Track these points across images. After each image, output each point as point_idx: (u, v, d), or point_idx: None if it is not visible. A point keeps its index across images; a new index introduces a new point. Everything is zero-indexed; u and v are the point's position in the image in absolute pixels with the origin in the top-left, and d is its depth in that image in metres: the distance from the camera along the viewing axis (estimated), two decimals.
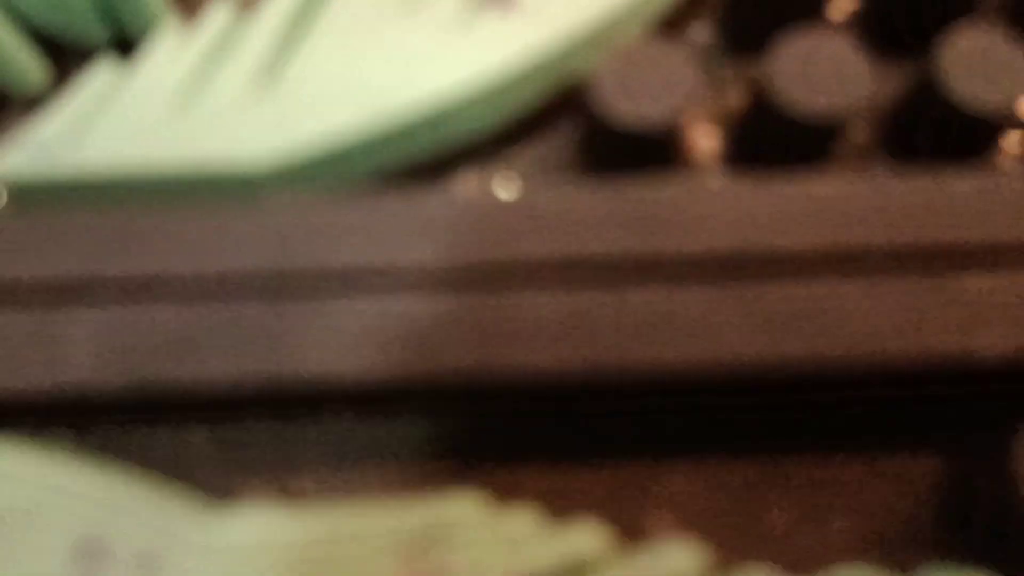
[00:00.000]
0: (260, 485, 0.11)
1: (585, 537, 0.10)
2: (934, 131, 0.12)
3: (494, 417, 0.11)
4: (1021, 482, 0.10)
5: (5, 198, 0.12)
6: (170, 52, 0.12)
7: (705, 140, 0.13)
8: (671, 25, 0.13)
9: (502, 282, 0.11)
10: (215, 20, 0.12)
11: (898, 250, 0.11)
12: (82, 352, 0.10)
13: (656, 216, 0.11)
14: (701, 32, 0.13)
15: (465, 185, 0.12)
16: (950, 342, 0.10)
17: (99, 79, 0.12)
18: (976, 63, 0.12)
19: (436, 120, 0.12)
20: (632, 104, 0.11)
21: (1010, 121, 0.12)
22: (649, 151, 0.12)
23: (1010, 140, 0.13)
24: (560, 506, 0.10)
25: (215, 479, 0.11)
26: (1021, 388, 0.10)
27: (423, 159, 0.12)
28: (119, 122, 0.11)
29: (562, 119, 0.12)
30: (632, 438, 0.11)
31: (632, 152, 0.12)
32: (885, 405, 0.11)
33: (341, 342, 0.10)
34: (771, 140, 0.12)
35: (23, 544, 0.10)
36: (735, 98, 0.12)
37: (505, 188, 0.12)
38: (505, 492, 0.11)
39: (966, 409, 0.11)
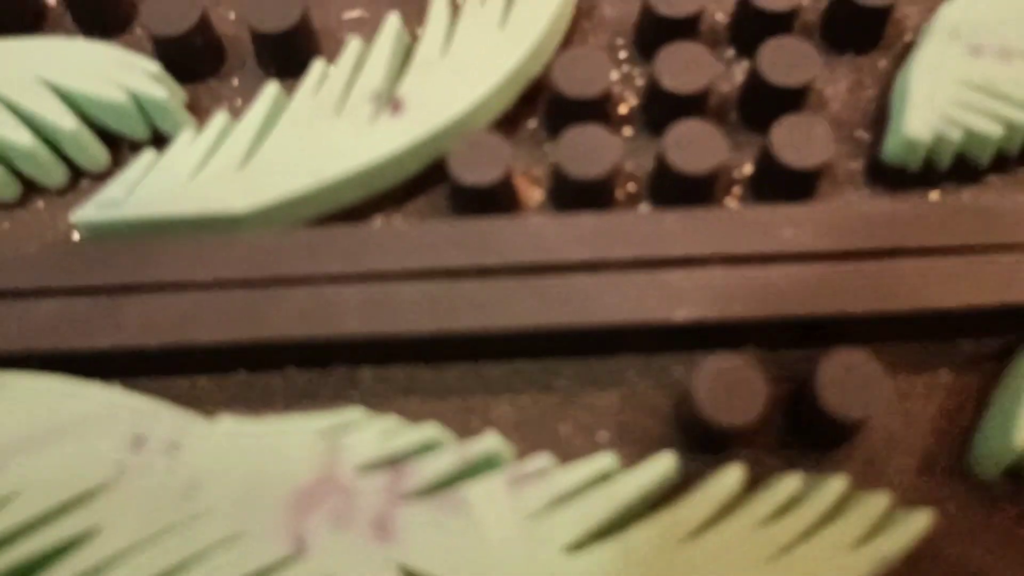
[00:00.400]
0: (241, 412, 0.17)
1: (431, 430, 0.16)
2: (669, 185, 0.18)
3: (383, 367, 0.17)
4: (698, 404, 0.16)
5: (78, 235, 0.19)
6: (187, 143, 0.18)
7: (532, 194, 0.19)
8: (510, 118, 0.19)
9: (393, 281, 0.17)
10: (216, 122, 0.18)
11: (631, 258, 0.17)
12: (131, 323, 0.17)
13: (491, 240, 0.17)
14: (531, 122, 0.20)
15: (375, 223, 0.19)
16: (659, 313, 0.16)
17: (143, 160, 0.18)
18: (695, 143, 0.18)
19: (354, 183, 0.18)
20: (476, 172, 0.18)
21: (720, 179, 0.18)
22: (489, 201, 0.18)
23: (731, 192, 0.19)
24: (421, 418, 0.17)
25: (213, 408, 0.17)
26: (703, 342, 0.17)
27: (347, 207, 0.19)
28: (154, 186, 0.18)
29: (434, 181, 0.19)
30: (470, 378, 0.17)
31: (479, 202, 0.18)
32: (633, 356, 0.17)
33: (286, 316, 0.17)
34: (570, 193, 0.18)
35: (98, 438, 0.16)
36: (550, 166, 0.19)
37: (401, 224, 0.19)
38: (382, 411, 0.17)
39: (677, 357, 0.17)
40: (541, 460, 0.16)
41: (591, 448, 0.17)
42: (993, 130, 0.18)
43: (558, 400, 0.17)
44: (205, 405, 0.17)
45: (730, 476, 0.16)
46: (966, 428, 0.17)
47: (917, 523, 0.15)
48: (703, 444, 0.17)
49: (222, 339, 0.17)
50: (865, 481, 0.16)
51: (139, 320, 0.17)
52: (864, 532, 0.15)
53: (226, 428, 0.16)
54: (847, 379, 0.16)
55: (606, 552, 0.15)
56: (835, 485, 0.16)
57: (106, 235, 0.18)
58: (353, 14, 0.21)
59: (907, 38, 0.21)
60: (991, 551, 0.17)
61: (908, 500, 0.16)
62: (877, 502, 0.16)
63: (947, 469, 0.17)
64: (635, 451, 0.17)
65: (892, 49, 0.21)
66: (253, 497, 0.15)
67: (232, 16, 0.21)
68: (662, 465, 0.16)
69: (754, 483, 0.16)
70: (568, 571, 0.15)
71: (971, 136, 0.18)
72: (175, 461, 0.16)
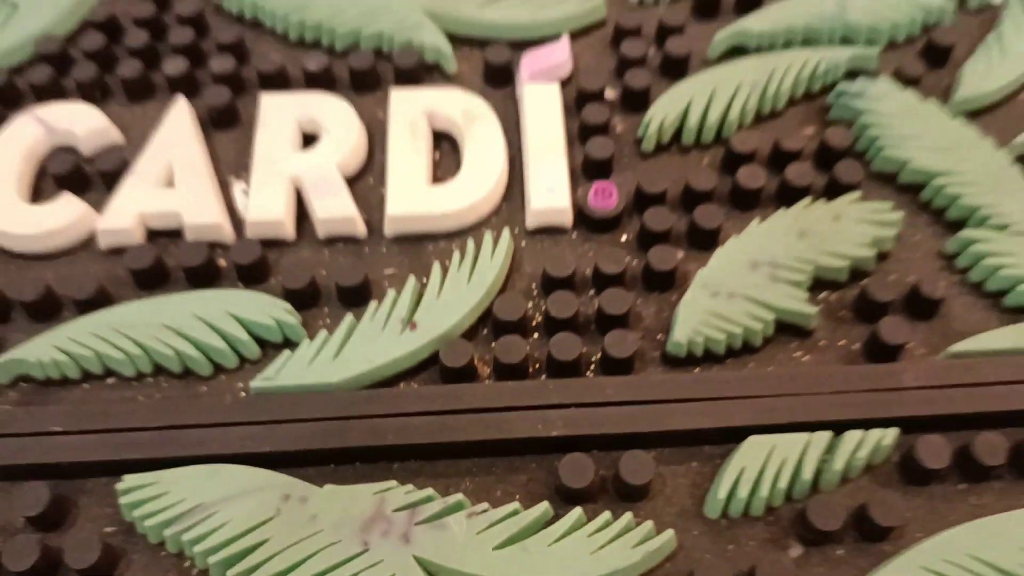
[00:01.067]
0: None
1: (429, 492, 0.32)
2: (555, 366, 0.35)
3: (405, 462, 0.33)
4: (562, 478, 0.32)
5: (244, 394, 0.35)
6: (305, 347, 0.35)
7: (484, 371, 0.36)
8: (473, 329, 0.36)
9: (410, 416, 0.33)
10: (320, 336, 0.35)
11: (532, 404, 0.33)
12: (279, 439, 0.33)
13: (461, 395, 0.34)
14: (484, 331, 0.36)
15: (401, 387, 0.35)
16: (544, 432, 0.33)
17: (282, 356, 0.35)
18: (566, 344, 0.35)
19: (390, 366, 0.35)
20: (454, 359, 0.34)
21: (581, 363, 0.35)
22: (461, 375, 0.35)
23: (589, 369, 0.36)
24: (424, 486, 0.32)
25: (319, 482, 0.33)
26: (569, 448, 0.33)
27: (387, 379, 0.35)
28: (290, 369, 0.34)
29: (431, 364, 0.35)
30: (449, 467, 0.33)
31: (456, 375, 0.35)
32: (534, 456, 0.33)
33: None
34: (503, 371, 0.35)
35: (265, 496, 0.31)
36: (494, 356, 0.35)
37: (415, 388, 0.35)
38: (405, 483, 0.33)
39: (556, 456, 0.33)
40: (483, 506, 0.32)
41: (510, 500, 0.33)
42: (720, 337, 0.35)
43: (495, 478, 0.33)
44: (314, 480, 0.33)
45: (574, 514, 0.31)
46: (704, 493, 0.33)
47: (667, 537, 0.31)
48: (566, 499, 0.32)
49: (323, 447, 0.33)
50: (650, 518, 0.32)
51: (283, 437, 0.33)
52: (640, 540, 0.31)
53: (329, 490, 0.32)
54: (636, 465, 0.32)
55: (515, 549, 0.31)
56: (626, 518, 0.32)
57: (265, 394, 0.34)
58: (389, 271, 0.38)
59: (688, 283, 0.38)
60: (717, 557, 0.32)
61: (671, 527, 0.32)
62: (647, 526, 0.31)
63: (694, 514, 0.33)
64: (533, 503, 0.32)
65: (680, 289, 0.38)
66: (342, 523, 0.31)
67: (324, 273, 0.38)
68: (542, 510, 0.32)
69: (593, 518, 0.32)
70: (495, 559, 0.30)
71: (709, 340, 0.35)
72: (304, 507, 0.31)
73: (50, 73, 0.44)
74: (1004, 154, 0.41)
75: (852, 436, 0.33)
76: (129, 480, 0.32)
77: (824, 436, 0.33)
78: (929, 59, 0.45)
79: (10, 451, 0.33)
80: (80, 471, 0.33)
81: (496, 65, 0.44)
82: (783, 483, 0.32)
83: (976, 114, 0.43)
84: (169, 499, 0.32)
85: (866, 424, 0.33)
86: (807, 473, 0.32)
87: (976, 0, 0.48)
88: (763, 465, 0.32)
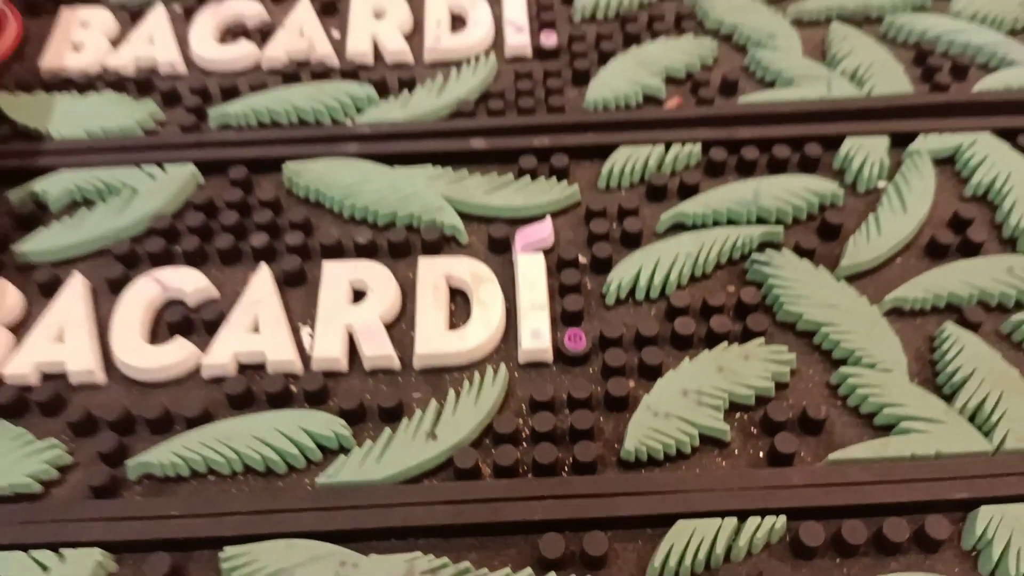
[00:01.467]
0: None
1: (445, 560, 0.43)
2: (538, 467, 0.46)
3: (428, 539, 0.44)
4: (541, 550, 0.43)
5: (311, 487, 0.47)
6: (356, 452, 0.47)
7: (485, 469, 0.47)
8: (479, 439, 0.48)
9: (431, 505, 0.45)
10: (366, 445, 0.47)
11: (522, 495, 0.45)
12: (339, 520, 0.44)
13: (469, 490, 0.45)
14: (487, 440, 0.48)
15: (425, 483, 0.47)
16: (529, 516, 0.44)
17: (339, 460, 0.47)
18: (546, 449, 0.46)
19: (417, 468, 0.46)
20: (464, 462, 0.46)
21: (557, 464, 0.46)
22: (469, 473, 0.46)
23: (564, 469, 0.47)
24: (438, 556, 0.44)
25: (366, 552, 0.44)
26: (550, 528, 0.44)
27: (414, 476, 0.47)
28: (346, 469, 0.46)
29: (447, 467, 0.47)
30: (457, 544, 0.44)
31: (465, 474, 0.46)
32: (519, 535, 0.44)
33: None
34: (501, 471, 0.46)
35: (328, 562, 0.43)
36: (493, 460, 0.47)
37: (435, 484, 0.47)
38: (427, 554, 0.44)
39: (536, 536, 0.44)
40: (483, 571, 0.42)
41: (503, 567, 0.43)
42: (659, 447, 0.47)
43: (492, 551, 0.44)
44: (363, 551, 0.44)
45: None
46: (646, 563, 0.44)
47: None
48: (544, 567, 0.43)
49: (369, 527, 0.44)
50: None
51: (341, 519, 0.44)
52: None
53: (373, 558, 0.43)
54: (595, 542, 0.43)
55: None
56: None
57: (327, 488, 0.46)
58: (417, 395, 0.50)
59: (637, 406, 0.49)
60: None
61: None
62: None
63: None
64: (519, 569, 0.43)
65: (631, 409, 0.50)
66: None
67: (369, 397, 0.50)
68: (526, 574, 0.42)
69: None
70: None
71: (651, 449, 0.47)
72: (356, 571, 0.42)
73: (162, 243, 0.57)
74: (876, 309, 0.53)
75: (753, 521, 0.44)
76: (229, 551, 0.43)
77: (732, 521, 0.44)
78: (823, 234, 0.58)
79: (139, 530, 0.45)
80: (191, 545, 0.44)
81: (497, 238, 0.57)
82: (702, 556, 0.43)
83: (856, 277, 0.56)
84: (258, 565, 0.43)
85: (763, 512, 0.44)
86: (720, 549, 0.43)
87: (864, 185, 0.61)
88: (687, 542, 0.43)
